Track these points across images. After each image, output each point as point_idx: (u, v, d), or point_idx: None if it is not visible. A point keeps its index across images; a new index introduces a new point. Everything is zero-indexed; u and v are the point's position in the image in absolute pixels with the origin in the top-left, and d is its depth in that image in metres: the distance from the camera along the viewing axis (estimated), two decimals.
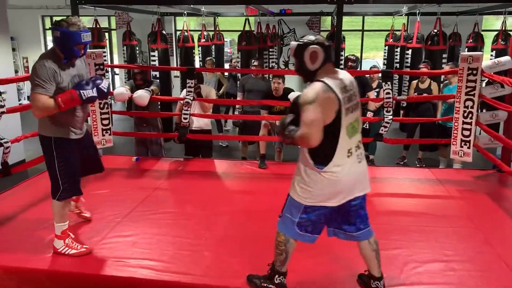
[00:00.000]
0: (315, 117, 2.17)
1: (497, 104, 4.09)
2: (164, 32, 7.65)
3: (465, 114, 4.30)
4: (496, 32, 7.79)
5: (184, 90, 4.90)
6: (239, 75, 7.47)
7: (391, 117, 4.67)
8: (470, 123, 4.28)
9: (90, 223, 3.35)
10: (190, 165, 4.88)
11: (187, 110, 4.79)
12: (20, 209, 3.59)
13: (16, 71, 11.03)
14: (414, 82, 6.22)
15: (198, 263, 2.82)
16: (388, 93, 4.65)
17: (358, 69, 6.06)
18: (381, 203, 3.90)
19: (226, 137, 7.49)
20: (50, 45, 13.02)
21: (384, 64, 9.52)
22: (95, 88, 2.74)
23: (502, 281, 2.66)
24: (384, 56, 9.69)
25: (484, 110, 4.68)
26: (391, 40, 9.05)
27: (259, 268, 2.72)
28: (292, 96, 4.77)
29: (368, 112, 5.62)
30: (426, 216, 3.56)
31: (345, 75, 2.33)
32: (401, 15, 9.16)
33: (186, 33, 8.08)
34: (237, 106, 6.19)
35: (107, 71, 4.92)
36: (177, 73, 10.07)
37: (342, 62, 7.09)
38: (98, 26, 7.77)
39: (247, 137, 5.73)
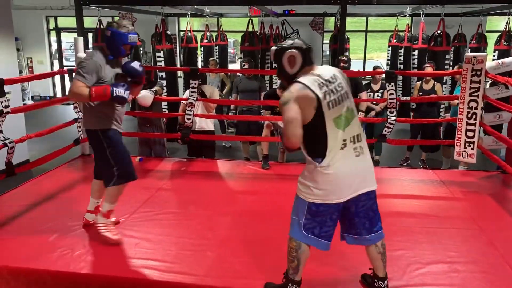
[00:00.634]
0: (292, 117, 2.21)
1: (501, 105, 4.07)
2: (168, 32, 7.66)
3: (469, 115, 4.28)
4: (499, 33, 7.77)
5: (188, 91, 4.90)
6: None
7: (394, 118, 4.66)
8: (474, 124, 4.27)
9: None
10: (193, 165, 4.88)
11: (190, 111, 4.79)
12: (24, 209, 3.60)
13: (20, 72, 11.06)
14: (418, 83, 6.22)
15: (201, 264, 2.82)
16: (391, 93, 4.64)
17: (351, 69, 6.06)
18: (384, 204, 3.86)
19: (229, 138, 7.50)
20: (54, 45, 13.08)
21: (387, 65, 9.50)
22: (127, 91, 2.91)
23: (506, 283, 2.65)
24: (388, 56, 9.67)
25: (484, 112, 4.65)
26: (395, 40, 9.03)
27: (262, 269, 2.74)
28: None
29: (360, 113, 5.63)
30: (429, 217, 3.55)
31: (324, 70, 2.34)
32: (405, 16, 9.15)
33: (189, 34, 8.09)
34: (231, 107, 6.23)
35: None
36: (180, 73, 10.08)
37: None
38: (102, 27, 7.78)
39: (250, 137, 5.73)
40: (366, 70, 11.30)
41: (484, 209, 3.72)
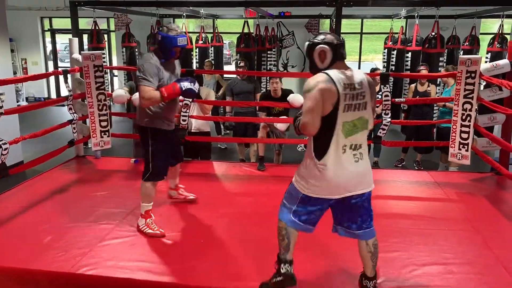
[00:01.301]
0: (313, 105, 2.23)
1: (495, 107, 4.09)
2: None
3: (464, 117, 4.30)
4: (493, 35, 7.82)
5: None
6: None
7: (389, 119, 4.68)
8: (469, 126, 4.29)
9: (88, 226, 3.34)
10: (188, 167, 4.87)
11: (185, 112, 4.78)
12: (19, 211, 3.58)
13: (15, 73, 11.01)
14: (412, 85, 6.25)
15: (197, 265, 2.82)
16: (386, 95, 4.66)
17: None
18: (380, 205, 3.89)
19: (225, 139, 7.49)
20: (48, 46, 13.02)
21: (384, 67, 9.53)
22: (192, 83, 3.10)
23: (501, 284, 2.66)
24: (384, 59, 9.70)
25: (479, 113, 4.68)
26: (391, 43, 9.06)
27: (258, 271, 2.73)
28: (291, 97, 4.78)
29: None
30: (425, 218, 3.56)
31: (355, 73, 2.33)
32: (400, 18, 9.18)
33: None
34: (227, 110, 6.21)
35: (106, 73, 4.91)
36: None
37: None
38: (97, 28, 7.76)
39: (246, 139, 5.73)
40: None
41: (479, 211, 3.74)
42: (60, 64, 13.17)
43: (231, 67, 15.67)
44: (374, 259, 2.47)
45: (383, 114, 4.71)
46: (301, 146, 4.85)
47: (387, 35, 9.53)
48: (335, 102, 2.22)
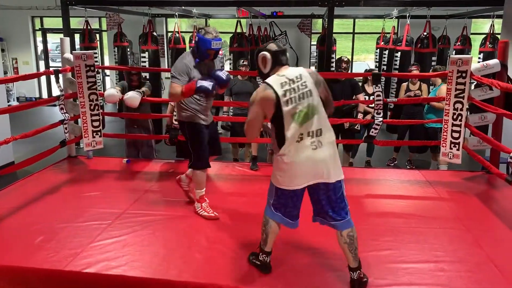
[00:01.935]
0: (252, 117, 2.56)
1: (486, 106, 4.13)
2: (155, 33, 7.63)
3: (455, 116, 4.33)
4: (484, 35, 7.89)
5: None
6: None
7: (381, 119, 4.70)
8: (460, 125, 4.32)
9: (80, 226, 3.32)
10: (181, 166, 4.85)
11: None
12: (10, 211, 3.55)
13: (5, 72, 10.92)
14: (404, 84, 6.28)
15: (189, 265, 2.81)
16: (378, 95, 4.68)
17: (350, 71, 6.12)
18: (372, 204, 3.92)
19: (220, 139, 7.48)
20: (39, 46, 12.94)
21: (376, 66, 9.58)
22: (211, 83, 3.25)
23: (492, 282, 2.68)
24: (376, 58, 9.75)
25: (470, 113, 4.73)
26: (382, 43, 9.11)
27: (250, 270, 2.75)
28: None
29: (359, 114, 5.66)
30: (416, 217, 3.58)
31: (291, 70, 2.56)
32: (392, 18, 9.24)
33: (177, 35, 8.06)
34: (224, 110, 6.18)
35: (98, 72, 4.89)
36: (168, 74, 10.05)
37: (334, 64, 7.13)
38: (89, 27, 7.73)
39: (239, 139, 5.73)
40: (354, 72, 11.35)
41: (470, 209, 3.77)
42: (51, 63, 13.09)
43: (224, 67, 15.63)
44: (353, 250, 2.53)
45: (375, 114, 4.73)
46: None
47: (379, 35, 9.59)
48: (275, 102, 2.46)
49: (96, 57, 4.91)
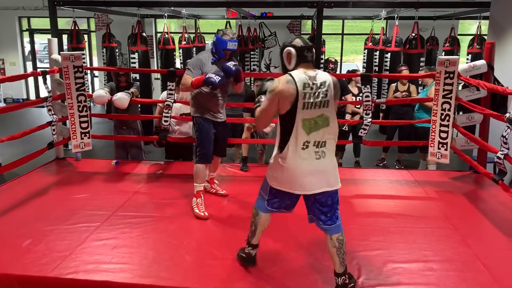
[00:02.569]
0: (267, 106, 2.48)
1: (473, 106, 4.18)
2: (144, 34, 7.60)
3: (443, 117, 4.37)
4: (471, 36, 7.98)
5: (165, 92, 4.86)
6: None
7: (370, 119, 4.72)
8: (447, 126, 4.36)
9: (69, 229, 3.29)
10: (171, 168, 4.84)
11: (167, 113, 4.75)
12: None
13: None
14: (393, 85, 6.33)
15: (179, 267, 2.80)
16: (367, 96, 4.70)
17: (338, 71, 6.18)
18: (361, 204, 3.94)
19: None
20: (27, 46, 12.80)
21: (363, 67, 9.64)
22: (219, 78, 3.37)
23: (480, 281, 2.71)
24: (364, 59, 9.81)
25: (461, 113, 4.78)
26: (370, 43, 9.17)
27: (240, 272, 2.75)
28: None
29: (347, 115, 5.70)
30: (405, 217, 3.61)
31: (319, 74, 2.47)
32: (380, 19, 9.30)
33: (166, 35, 8.04)
34: None
35: (86, 74, 4.84)
36: (158, 75, 10.00)
37: (322, 64, 7.16)
38: (77, 28, 7.66)
39: (230, 140, 5.71)
40: (342, 72, 11.41)
41: (458, 209, 3.80)
42: (39, 64, 12.96)
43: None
44: (341, 254, 2.52)
45: (364, 115, 4.75)
46: None
47: (367, 36, 9.65)
48: (293, 100, 2.37)
49: (84, 58, 4.86)
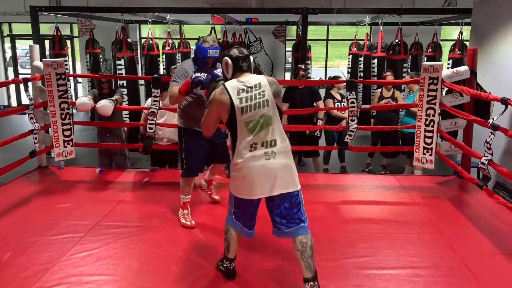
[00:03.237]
0: (207, 117, 2.63)
1: (457, 112, 4.22)
2: (129, 40, 7.53)
3: (427, 122, 4.41)
4: (453, 42, 8.09)
5: (149, 99, 4.81)
6: None
7: (355, 125, 4.74)
8: (432, 131, 4.40)
9: (51, 240, 3.22)
10: (156, 176, 4.79)
11: (152, 120, 4.70)
12: None
13: None
14: (378, 90, 6.38)
15: (165, 278, 2.76)
16: (352, 102, 4.72)
17: (312, 78, 6.25)
18: (348, 210, 3.95)
19: None
20: (8, 52, 12.59)
21: (348, 72, 9.70)
22: (206, 75, 3.20)
23: (466, 286, 2.73)
24: (348, 64, 9.87)
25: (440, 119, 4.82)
26: (355, 49, 9.24)
27: (228, 283, 2.71)
28: None
29: (319, 120, 5.75)
30: (391, 223, 3.62)
31: (251, 78, 2.56)
32: (364, 25, 9.38)
33: (151, 41, 7.98)
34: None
35: (69, 80, 4.77)
36: (142, 81, 9.92)
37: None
38: (59, 34, 7.56)
39: None
40: (327, 77, 11.48)
41: (443, 214, 3.83)
42: (20, 70, 12.75)
43: None
44: (305, 258, 2.46)
45: (349, 121, 4.77)
46: None
47: (352, 41, 9.71)
48: (228, 108, 2.47)
49: (67, 64, 4.78)
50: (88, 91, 7.63)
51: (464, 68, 4.41)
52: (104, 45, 9.56)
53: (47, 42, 7.88)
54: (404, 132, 5.88)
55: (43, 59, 4.63)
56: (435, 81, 4.31)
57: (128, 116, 6.61)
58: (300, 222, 2.50)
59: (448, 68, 7.37)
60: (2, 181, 4.46)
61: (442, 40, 9.72)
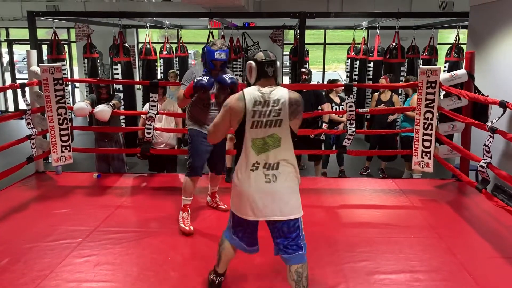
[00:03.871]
0: (218, 121, 2.46)
1: (455, 115, 4.22)
2: (126, 44, 7.53)
3: (425, 126, 4.41)
4: (450, 45, 8.12)
5: (147, 104, 4.80)
6: None
7: (354, 129, 4.74)
8: (430, 135, 4.40)
9: (49, 246, 3.19)
10: (154, 180, 4.77)
11: (150, 125, 4.69)
12: None
13: None
14: (376, 94, 6.40)
15: (164, 284, 2.74)
16: (350, 106, 4.72)
17: (312, 82, 6.23)
18: (347, 215, 3.94)
19: None
20: (5, 57, 12.56)
21: (347, 76, 9.72)
22: (208, 79, 3.30)
23: None
24: (347, 68, 9.89)
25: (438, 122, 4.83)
26: (353, 53, 9.27)
27: (227, 287, 2.68)
28: None
29: (324, 124, 5.75)
30: (390, 227, 3.61)
31: (277, 91, 2.35)
32: (362, 28, 9.41)
33: (148, 46, 7.98)
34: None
35: (67, 85, 4.75)
36: (139, 85, 9.92)
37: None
38: (57, 39, 7.55)
39: None
40: (325, 80, 11.50)
41: (442, 217, 3.82)
42: (18, 75, 12.72)
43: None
44: None
45: (347, 124, 4.77)
46: None
47: (349, 45, 9.74)
48: (240, 119, 2.32)
49: (64, 69, 4.77)
50: (86, 96, 7.60)
51: (461, 71, 4.42)
52: (102, 50, 9.57)
53: (44, 47, 7.86)
54: (402, 135, 5.89)
55: (40, 64, 4.61)
56: (433, 85, 4.32)
57: (124, 120, 6.60)
58: (298, 249, 2.33)
59: (444, 71, 7.39)
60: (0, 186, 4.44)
61: (439, 44, 9.77)
